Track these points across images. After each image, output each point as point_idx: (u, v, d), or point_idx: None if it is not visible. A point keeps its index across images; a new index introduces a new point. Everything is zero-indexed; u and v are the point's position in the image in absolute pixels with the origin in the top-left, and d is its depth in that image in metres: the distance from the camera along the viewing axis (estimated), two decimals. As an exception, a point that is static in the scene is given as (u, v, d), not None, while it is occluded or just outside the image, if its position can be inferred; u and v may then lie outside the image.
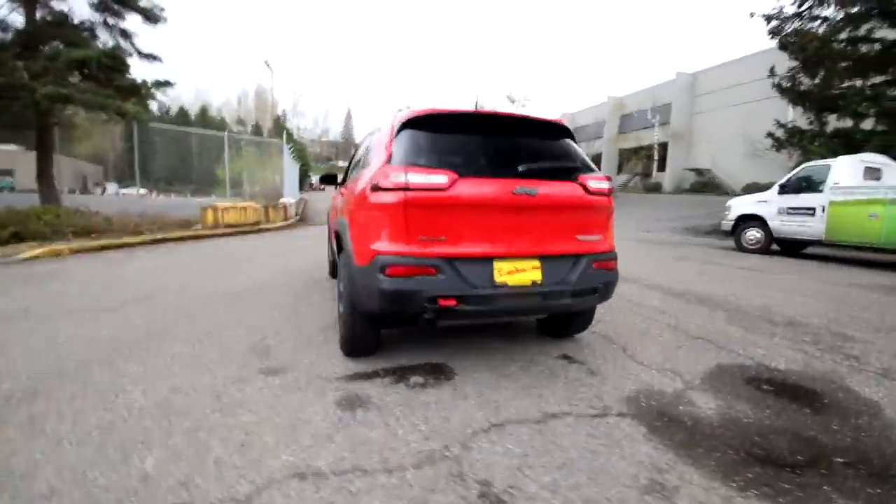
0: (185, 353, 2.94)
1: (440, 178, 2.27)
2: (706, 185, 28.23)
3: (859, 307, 4.74)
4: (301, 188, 31.95)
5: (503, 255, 2.39)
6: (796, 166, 9.88)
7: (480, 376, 2.68)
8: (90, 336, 3.25)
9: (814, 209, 8.27)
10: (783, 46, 14.58)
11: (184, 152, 15.98)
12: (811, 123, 14.07)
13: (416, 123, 2.55)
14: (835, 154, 9.47)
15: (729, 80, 28.10)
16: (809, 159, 10.97)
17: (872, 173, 8.22)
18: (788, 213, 8.74)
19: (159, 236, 8.64)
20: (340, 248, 3.19)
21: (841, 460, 1.90)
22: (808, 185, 8.51)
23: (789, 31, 14.60)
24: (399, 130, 2.55)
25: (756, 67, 22.71)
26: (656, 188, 31.76)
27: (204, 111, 56.42)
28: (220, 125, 55.85)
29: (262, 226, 11.55)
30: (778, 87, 14.85)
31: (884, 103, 11.75)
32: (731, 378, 2.75)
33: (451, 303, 2.31)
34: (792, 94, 14.32)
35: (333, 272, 5.32)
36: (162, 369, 2.67)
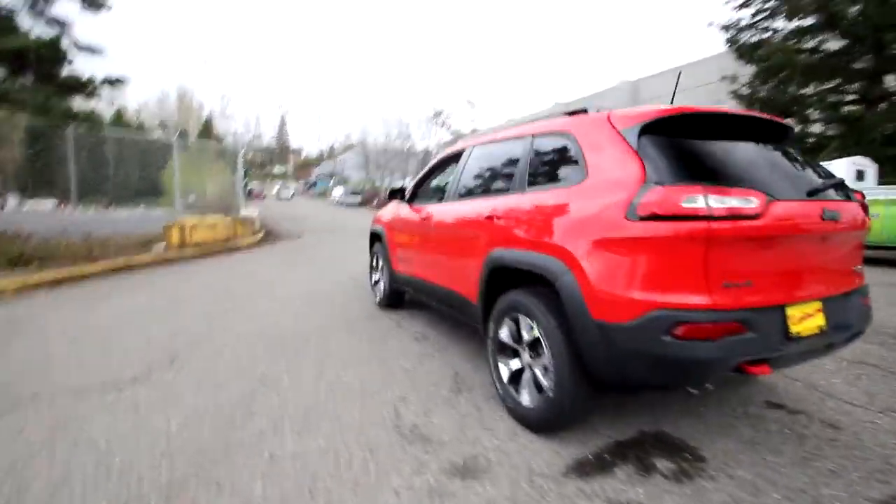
0: (307, 452, 2.06)
1: (751, 203, 1.65)
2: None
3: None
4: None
5: (797, 300, 1.82)
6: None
7: (725, 446, 2.11)
8: (134, 447, 2.24)
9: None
10: (740, 55, 15.43)
11: (119, 159, 13.87)
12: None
13: (662, 127, 1.92)
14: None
15: (668, 88, 29.74)
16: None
17: (860, 175, 8.70)
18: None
19: (123, 263, 7.13)
20: (493, 285, 2.49)
21: None
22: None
23: (744, 41, 15.46)
24: (640, 135, 1.90)
25: (695, 76, 24.16)
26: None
27: (119, 114, 50.78)
28: (141, 130, 50.72)
29: (232, 244, 10.14)
30: (734, 93, 15.68)
31: (839, 110, 12.72)
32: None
33: (764, 370, 1.70)
34: (749, 100, 15.16)
35: (391, 303, 4.49)
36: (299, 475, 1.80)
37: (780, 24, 14.78)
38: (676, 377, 1.79)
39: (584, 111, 2.46)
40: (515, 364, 2.37)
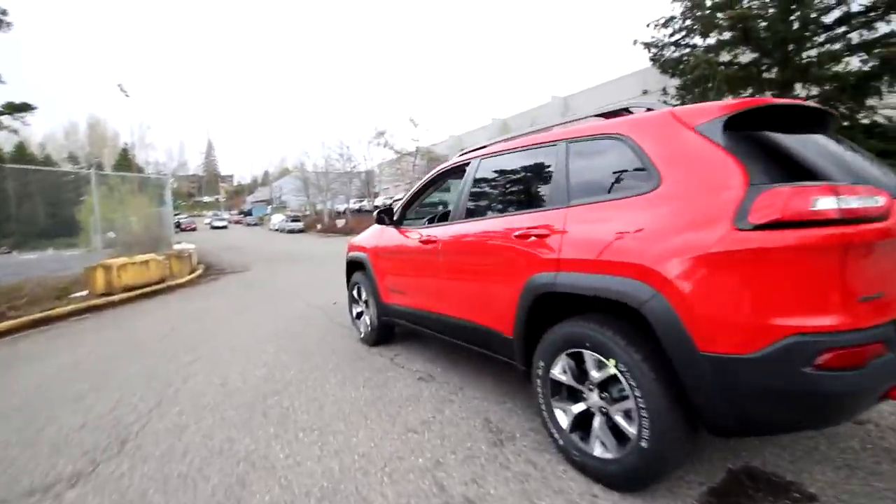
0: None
1: (878, 202, 1.42)
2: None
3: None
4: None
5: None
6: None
7: (825, 476, 1.88)
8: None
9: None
10: (664, 70, 16.52)
11: (24, 195, 12.11)
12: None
13: (745, 121, 1.66)
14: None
15: (597, 103, 31.53)
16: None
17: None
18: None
19: (40, 316, 5.96)
20: (533, 318, 2.12)
21: None
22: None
23: (667, 57, 16.60)
24: (724, 129, 1.63)
25: (622, 90, 25.81)
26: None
27: (22, 147, 45.54)
28: (47, 163, 45.91)
29: (169, 282, 9.00)
30: (665, 104, 16.73)
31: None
32: None
33: (910, 397, 1.45)
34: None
35: (380, 338, 3.96)
36: None
37: (698, 40, 16.00)
38: (815, 417, 1.50)
39: (627, 111, 2.19)
40: (578, 408, 1.99)
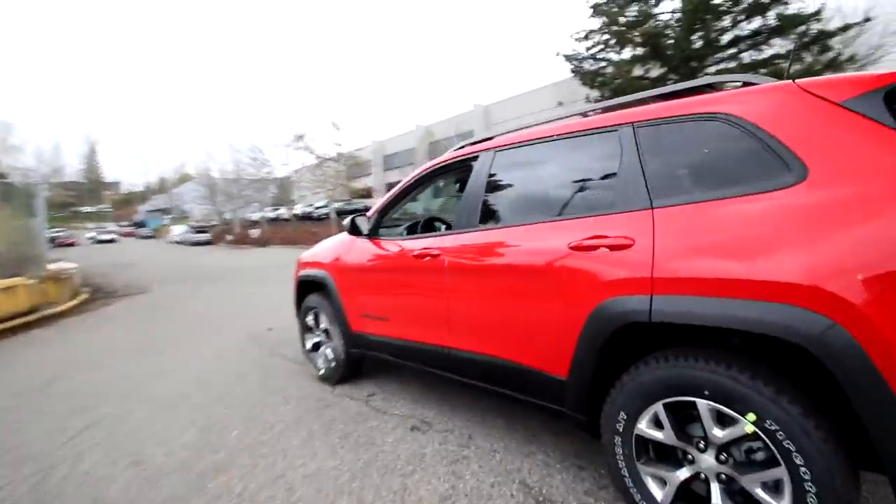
0: None
1: None
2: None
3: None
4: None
5: None
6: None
7: None
8: None
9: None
10: (584, 81, 17.36)
11: None
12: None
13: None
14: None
15: (516, 112, 32.68)
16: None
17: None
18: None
19: None
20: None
21: None
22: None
23: (587, 69, 17.45)
24: (886, 105, 1.25)
25: (539, 100, 26.92)
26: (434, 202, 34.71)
27: None
28: None
29: (45, 311, 7.19)
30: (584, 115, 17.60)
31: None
32: None
33: None
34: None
35: (346, 374, 3.21)
36: None
37: (614, 55, 17.00)
38: None
39: (711, 87, 1.76)
40: (682, 475, 1.50)
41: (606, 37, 16.62)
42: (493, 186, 2.23)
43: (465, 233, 2.23)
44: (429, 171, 2.67)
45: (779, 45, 14.36)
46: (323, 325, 3.26)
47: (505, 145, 2.23)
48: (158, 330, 5.73)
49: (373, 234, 2.83)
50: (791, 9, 13.90)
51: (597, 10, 16.54)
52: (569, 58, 17.71)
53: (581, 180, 1.91)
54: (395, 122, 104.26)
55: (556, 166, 2.02)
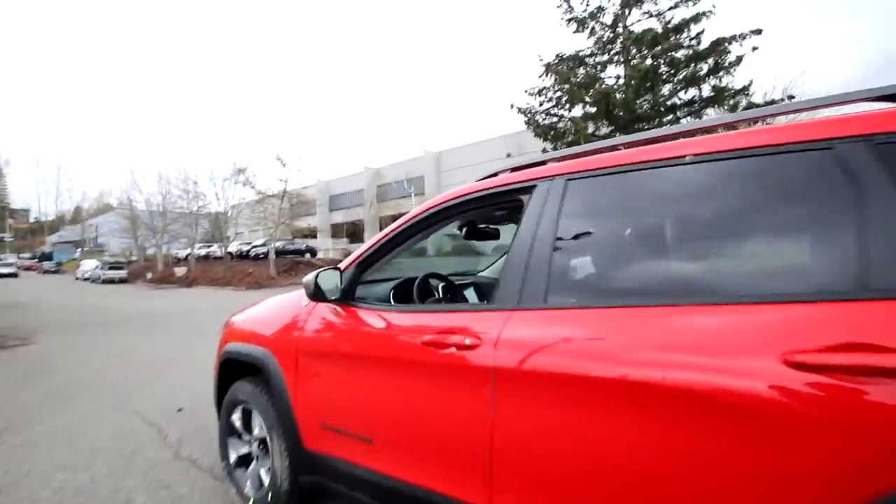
0: None
1: None
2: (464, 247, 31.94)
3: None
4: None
5: None
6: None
7: None
8: None
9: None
10: (537, 134, 17.77)
11: None
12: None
13: None
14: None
15: (468, 160, 33.25)
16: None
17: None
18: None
19: None
20: None
21: None
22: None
23: (541, 122, 17.93)
24: None
25: (490, 150, 27.49)
26: (421, 252, 33.92)
27: None
28: None
29: None
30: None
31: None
32: None
33: None
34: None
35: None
36: None
37: (565, 112, 17.60)
38: None
39: None
40: None
41: (559, 94, 17.25)
42: (575, 233, 1.39)
43: (530, 310, 1.33)
44: (442, 205, 1.76)
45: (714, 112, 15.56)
46: (258, 432, 2.18)
47: (586, 170, 1.42)
48: (24, 401, 4.22)
49: (346, 299, 1.89)
50: (724, 81, 15.16)
51: (549, 69, 17.23)
52: (522, 111, 18.16)
53: (786, 227, 1.13)
54: (343, 163, 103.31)
55: (710, 200, 1.23)
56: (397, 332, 1.66)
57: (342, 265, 1.94)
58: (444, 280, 2.35)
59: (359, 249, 1.94)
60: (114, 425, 3.54)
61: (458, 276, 2.78)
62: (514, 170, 1.70)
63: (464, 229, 2.19)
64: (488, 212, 1.89)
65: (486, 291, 2.68)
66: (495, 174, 1.71)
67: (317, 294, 1.82)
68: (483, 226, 2.29)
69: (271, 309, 2.32)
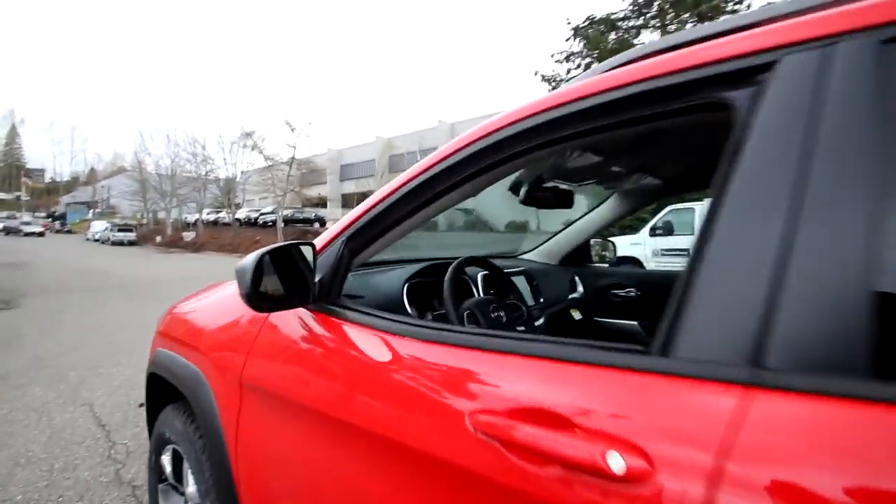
0: None
1: None
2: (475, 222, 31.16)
3: None
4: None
5: None
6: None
7: None
8: None
9: (688, 249, 8.55)
10: (563, 103, 16.62)
11: None
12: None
13: None
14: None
15: (484, 132, 32.00)
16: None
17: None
18: (663, 255, 8.88)
19: None
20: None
21: None
22: (679, 226, 8.83)
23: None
24: None
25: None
26: (433, 225, 33.24)
27: None
28: None
29: None
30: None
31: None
32: None
33: None
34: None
35: None
36: None
37: (595, 79, 16.35)
38: None
39: None
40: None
41: (588, 60, 15.95)
42: None
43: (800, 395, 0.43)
44: (522, 122, 0.78)
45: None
46: (191, 490, 1.44)
47: None
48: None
49: (326, 302, 1.10)
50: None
51: (577, 33, 15.91)
52: (547, 79, 16.93)
53: None
54: (354, 132, 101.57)
55: None
56: (423, 378, 0.79)
57: (319, 241, 1.12)
58: (487, 267, 1.52)
59: (348, 215, 1.11)
60: (56, 424, 2.89)
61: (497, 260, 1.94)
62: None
63: (521, 189, 1.35)
64: (613, 145, 1.02)
65: (543, 289, 1.84)
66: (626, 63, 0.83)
67: (258, 299, 0.97)
68: (552, 184, 1.43)
69: (222, 301, 1.52)
